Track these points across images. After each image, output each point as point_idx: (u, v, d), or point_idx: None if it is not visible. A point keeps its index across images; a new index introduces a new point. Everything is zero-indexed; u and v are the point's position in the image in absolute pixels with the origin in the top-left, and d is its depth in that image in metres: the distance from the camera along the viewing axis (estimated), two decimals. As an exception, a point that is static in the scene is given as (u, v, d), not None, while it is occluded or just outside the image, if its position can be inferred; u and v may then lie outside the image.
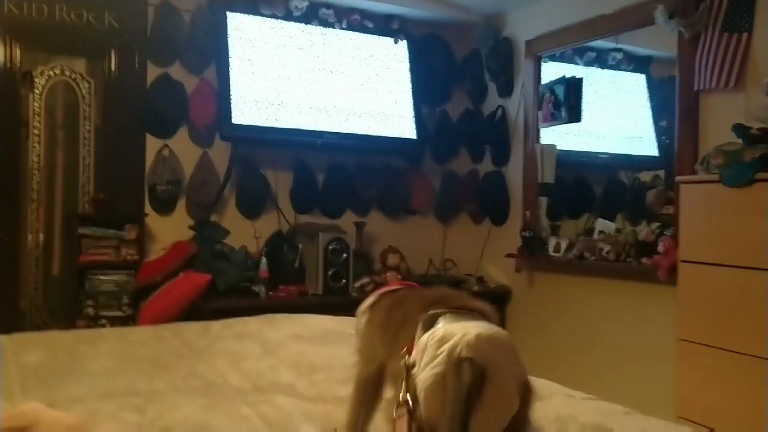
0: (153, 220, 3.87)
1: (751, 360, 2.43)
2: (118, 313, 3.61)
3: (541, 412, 1.23)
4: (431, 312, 1.08)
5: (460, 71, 4.63)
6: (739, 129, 2.65)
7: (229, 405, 1.29)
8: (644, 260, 3.29)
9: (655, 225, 3.39)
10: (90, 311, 3.57)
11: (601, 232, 3.75)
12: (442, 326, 1.03)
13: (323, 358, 1.68)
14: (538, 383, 1.43)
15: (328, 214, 4.31)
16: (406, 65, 4.38)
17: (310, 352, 1.74)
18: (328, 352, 1.73)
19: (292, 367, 1.62)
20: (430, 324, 1.06)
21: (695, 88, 3.14)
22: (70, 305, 3.57)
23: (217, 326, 2.08)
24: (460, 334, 0.98)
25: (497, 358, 0.97)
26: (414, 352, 1.04)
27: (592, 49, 4.15)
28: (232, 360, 1.71)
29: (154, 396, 1.36)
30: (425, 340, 1.02)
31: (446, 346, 0.97)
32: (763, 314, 2.39)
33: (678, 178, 2.85)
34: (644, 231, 3.40)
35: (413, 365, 1.03)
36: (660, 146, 4.10)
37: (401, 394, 1.02)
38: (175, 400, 1.32)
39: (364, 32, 4.28)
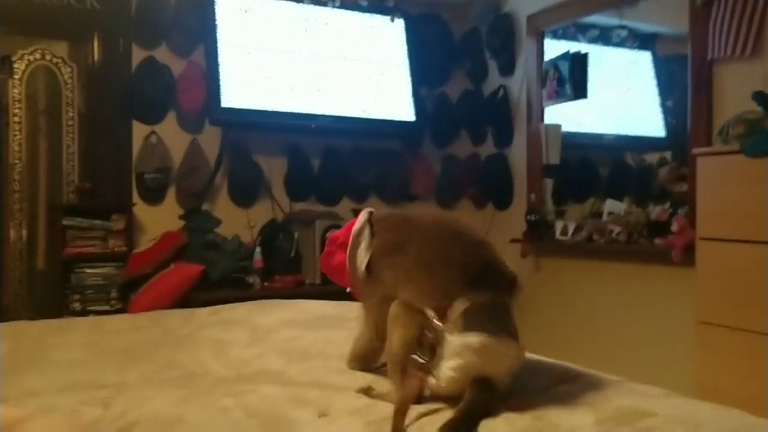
0: (141, 209, 3.71)
1: (776, 341, 2.27)
2: (106, 307, 3.46)
3: (567, 395, 1.08)
4: (473, 305, 1.10)
5: (459, 50, 4.47)
6: (760, 96, 2.50)
7: (208, 396, 1.13)
8: (657, 241, 3.13)
9: (667, 204, 3.24)
10: (77, 306, 3.41)
11: (610, 213, 3.58)
12: (479, 340, 1.07)
13: (318, 344, 1.52)
14: (556, 367, 1.28)
15: (325, 202, 4.15)
16: (403, 45, 4.21)
17: (304, 338, 1.58)
18: (323, 338, 1.57)
19: (282, 354, 1.46)
20: (472, 321, 1.09)
21: (709, 58, 2.98)
22: (56, 300, 3.40)
23: (203, 313, 1.92)
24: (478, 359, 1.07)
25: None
26: (447, 323, 1.11)
27: (595, 26, 4.00)
28: (216, 348, 1.54)
29: (123, 388, 1.20)
30: (459, 343, 1.08)
31: (465, 363, 1.07)
32: (790, 292, 2.24)
33: (694, 150, 2.69)
34: (656, 210, 3.24)
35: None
36: (667, 126, 3.96)
37: (424, 358, 1.12)
38: (146, 392, 1.16)
39: (358, 11, 4.11)
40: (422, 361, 1.11)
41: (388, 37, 4.19)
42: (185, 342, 1.60)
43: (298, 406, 1.09)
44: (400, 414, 1.03)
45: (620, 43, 4.05)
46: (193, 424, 1.00)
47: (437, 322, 1.10)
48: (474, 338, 1.06)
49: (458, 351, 1.07)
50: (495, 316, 1.12)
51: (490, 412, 1.01)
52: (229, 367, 1.39)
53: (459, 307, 1.09)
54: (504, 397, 1.05)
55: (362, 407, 1.10)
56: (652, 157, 3.88)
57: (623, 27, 4.01)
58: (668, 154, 3.67)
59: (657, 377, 3.04)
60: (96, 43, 3.65)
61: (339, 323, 1.70)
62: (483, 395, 1.04)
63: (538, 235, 3.84)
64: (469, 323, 1.08)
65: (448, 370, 1.07)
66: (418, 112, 4.16)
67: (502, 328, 1.10)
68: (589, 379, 1.15)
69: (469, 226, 1.31)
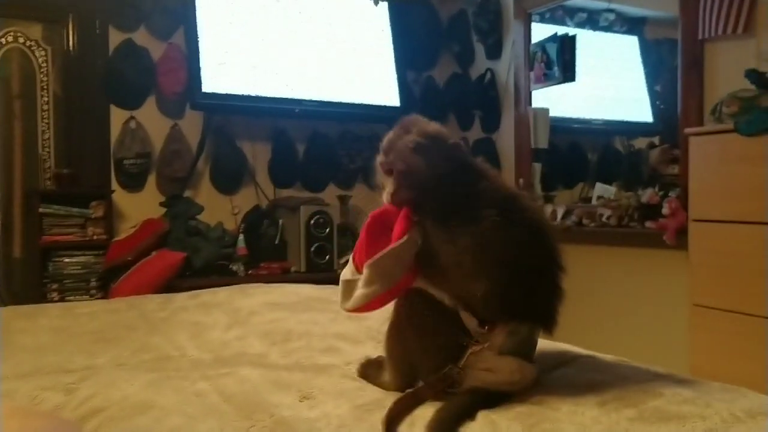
0: (121, 196, 3.61)
1: (772, 323, 2.23)
2: (86, 297, 3.36)
3: (566, 378, 1.01)
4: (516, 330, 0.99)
5: (446, 33, 4.39)
6: (753, 74, 2.44)
7: (182, 380, 1.06)
8: (649, 224, 3.08)
9: (657, 187, 3.19)
10: (55, 295, 3.32)
11: (599, 197, 3.53)
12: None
13: (301, 326, 1.45)
14: (553, 349, 1.22)
15: (310, 188, 4.07)
16: (388, 28, 4.13)
17: (287, 320, 1.50)
18: (307, 319, 1.50)
19: (264, 336, 1.39)
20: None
21: (700, 37, 2.92)
22: (34, 289, 3.31)
23: (182, 297, 1.84)
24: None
25: None
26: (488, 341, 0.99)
27: (583, 9, 3.94)
28: (193, 331, 1.47)
29: (92, 373, 1.12)
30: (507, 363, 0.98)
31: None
32: (786, 273, 2.19)
33: (687, 130, 2.63)
34: (647, 193, 3.18)
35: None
36: (655, 111, 3.92)
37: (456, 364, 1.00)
38: (116, 376, 1.08)
39: (342, -7, 4.02)
40: (455, 368, 0.99)
41: (372, 20, 4.10)
42: (162, 325, 1.52)
43: (279, 389, 1.01)
44: (402, 405, 0.95)
45: (608, 27, 4.00)
46: (163, 409, 0.92)
47: (480, 335, 0.99)
48: (517, 364, 0.98)
49: (504, 369, 0.97)
50: (533, 343, 1.04)
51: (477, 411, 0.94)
52: (207, 350, 1.31)
53: (504, 329, 0.99)
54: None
55: (349, 389, 1.03)
56: (640, 143, 3.84)
57: (611, 11, 3.96)
58: (656, 140, 3.63)
59: (652, 361, 2.99)
60: (71, 25, 3.54)
61: (324, 305, 1.63)
62: (479, 398, 0.96)
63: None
64: (507, 347, 0.98)
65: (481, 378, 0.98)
66: (404, 97, 4.08)
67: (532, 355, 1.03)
68: (588, 360, 1.09)
69: (551, 225, 1.14)
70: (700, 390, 0.90)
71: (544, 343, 1.31)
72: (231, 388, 1.01)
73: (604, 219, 3.33)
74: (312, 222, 3.68)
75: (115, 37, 3.62)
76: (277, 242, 3.79)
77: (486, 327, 0.99)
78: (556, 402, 0.90)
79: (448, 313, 1.03)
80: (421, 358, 1.04)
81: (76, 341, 1.36)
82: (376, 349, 1.14)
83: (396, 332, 1.08)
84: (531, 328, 1.02)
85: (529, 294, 0.99)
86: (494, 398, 0.94)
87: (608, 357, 1.15)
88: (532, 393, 0.93)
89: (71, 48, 3.55)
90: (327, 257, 3.71)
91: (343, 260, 3.73)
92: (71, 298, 3.32)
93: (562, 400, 0.90)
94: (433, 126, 1.15)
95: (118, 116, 3.63)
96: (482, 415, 0.89)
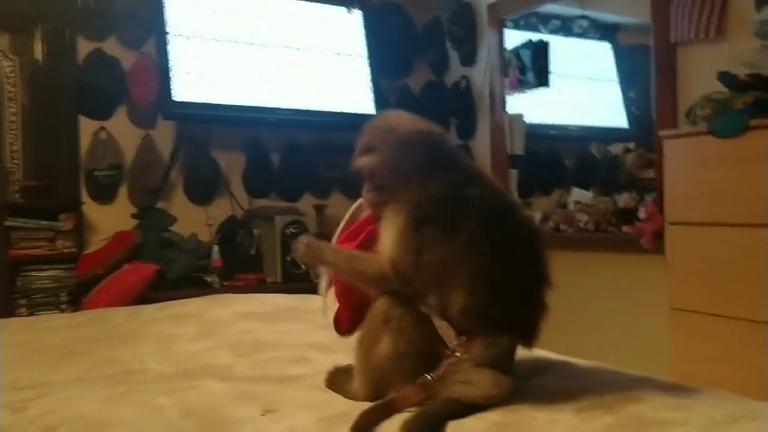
0: (91, 208, 3.54)
1: (751, 326, 2.22)
2: (56, 312, 3.28)
3: (542, 386, 0.98)
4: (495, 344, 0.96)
5: (421, 41, 4.37)
6: (726, 76, 2.44)
7: (143, 395, 1.01)
8: (626, 228, 3.08)
9: (634, 191, 3.19)
10: (24, 311, 3.23)
11: (576, 202, 3.52)
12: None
13: (271, 336, 1.40)
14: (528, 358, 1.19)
15: (286, 197, 4.03)
16: (362, 36, 4.10)
17: (258, 331, 1.46)
18: (278, 329, 1.45)
19: (232, 348, 1.34)
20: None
21: (672, 41, 2.94)
22: (2, 304, 3.21)
23: (152, 308, 1.78)
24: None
25: None
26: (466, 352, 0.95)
27: (556, 16, 3.95)
28: (160, 343, 1.41)
29: (48, 389, 1.07)
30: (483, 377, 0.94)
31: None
32: (763, 275, 2.18)
33: (662, 133, 2.63)
34: (624, 198, 3.18)
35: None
36: (630, 117, 3.93)
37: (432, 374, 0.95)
38: (74, 392, 1.03)
39: (315, 1, 3.99)
40: (430, 378, 0.95)
41: (346, 28, 4.08)
42: (128, 337, 1.47)
43: (243, 402, 0.97)
44: (372, 415, 0.90)
45: (582, 34, 4.02)
46: (120, 426, 0.88)
47: (458, 346, 0.96)
48: (494, 378, 0.94)
49: (479, 382, 0.94)
50: (510, 355, 1.00)
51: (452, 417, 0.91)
52: (171, 363, 1.26)
53: (482, 341, 0.96)
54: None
55: (317, 401, 0.99)
56: (616, 148, 3.85)
57: (584, 17, 3.98)
58: (632, 145, 3.64)
59: (632, 366, 2.97)
60: (39, 35, 3.47)
61: (296, 315, 1.59)
62: (452, 407, 0.93)
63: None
64: (485, 359, 0.95)
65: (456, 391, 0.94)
66: (379, 105, 4.05)
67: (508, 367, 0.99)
68: (565, 367, 1.06)
69: (543, 237, 1.05)
70: (679, 394, 0.87)
71: (520, 351, 1.28)
72: (192, 403, 0.96)
73: (581, 224, 3.32)
74: (288, 232, 3.64)
75: (85, 47, 3.55)
76: (252, 253, 3.74)
77: (464, 338, 0.96)
78: (532, 410, 0.86)
79: (426, 320, 0.99)
80: (395, 365, 1.00)
81: (36, 357, 1.30)
82: (348, 359, 1.10)
83: (370, 336, 1.03)
84: (511, 341, 0.99)
85: (510, 309, 0.96)
86: (468, 409, 0.90)
87: (586, 363, 1.12)
88: (508, 401, 0.90)
89: (39, 58, 3.48)
90: (303, 267, 3.66)
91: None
92: (41, 312, 3.24)
93: (537, 409, 0.87)
94: (415, 122, 1.10)
95: (88, 127, 3.56)
96: (455, 425, 0.85)
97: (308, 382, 1.09)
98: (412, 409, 0.92)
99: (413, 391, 0.95)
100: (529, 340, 1.00)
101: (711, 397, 0.87)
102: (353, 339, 1.07)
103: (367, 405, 0.94)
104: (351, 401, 1.01)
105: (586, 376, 1.00)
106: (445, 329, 0.97)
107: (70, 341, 1.44)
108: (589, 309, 3.34)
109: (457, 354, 0.95)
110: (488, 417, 0.86)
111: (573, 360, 1.15)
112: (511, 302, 0.95)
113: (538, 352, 1.23)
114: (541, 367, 1.10)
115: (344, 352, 1.26)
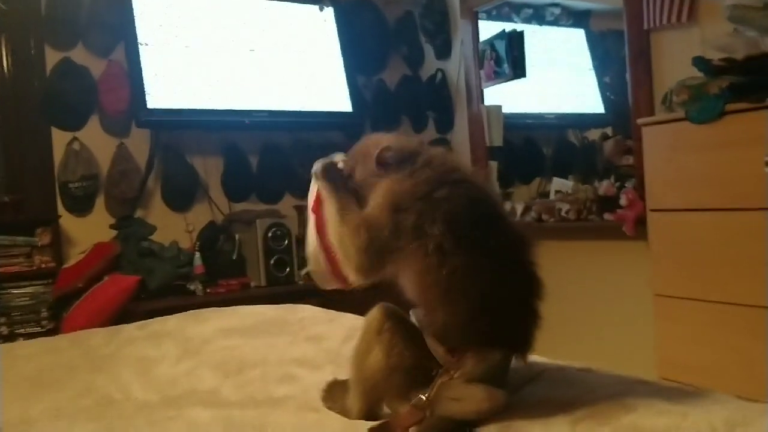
0: (68, 221, 3.47)
1: (734, 309, 2.23)
2: (37, 329, 3.22)
3: (535, 396, 0.96)
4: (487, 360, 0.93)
5: (394, 36, 4.34)
6: (700, 61, 2.44)
7: (126, 427, 0.98)
8: (607, 216, 3.08)
9: (613, 178, 3.19)
10: (4, 330, 3.17)
11: (557, 191, 3.52)
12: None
13: (256, 353, 1.37)
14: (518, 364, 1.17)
15: (266, 200, 3.99)
16: (335, 34, 4.06)
17: (242, 347, 1.43)
18: (262, 345, 1.42)
19: (216, 368, 1.31)
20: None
21: (645, 27, 2.94)
22: (-20, 325, 3.15)
23: (130, 328, 1.74)
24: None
25: None
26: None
27: (529, 5, 3.96)
28: (140, 367, 1.38)
29: (23, 427, 1.03)
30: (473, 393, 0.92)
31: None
32: (745, 259, 2.19)
33: (639, 121, 2.62)
34: (604, 185, 3.18)
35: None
36: (605, 102, 3.94)
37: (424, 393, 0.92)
38: (51, 429, 1.00)
39: (286, 0, 3.94)
40: (423, 398, 0.92)
41: (318, 26, 4.04)
42: (106, 363, 1.43)
43: (231, 430, 0.94)
44: None
45: (554, 22, 4.02)
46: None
47: (448, 363, 0.93)
48: (486, 393, 0.91)
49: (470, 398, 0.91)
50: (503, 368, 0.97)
51: None
52: (153, 389, 1.23)
53: (473, 356, 0.93)
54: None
55: (308, 424, 0.97)
56: (593, 134, 3.86)
57: (556, 5, 3.98)
58: (609, 130, 3.65)
59: (619, 355, 2.99)
60: (4, 46, 3.39)
61: (280, 327, 1.56)
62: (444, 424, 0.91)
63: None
64: (477, 374, 0.92)
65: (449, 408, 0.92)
66: (355, 102, 4.02)
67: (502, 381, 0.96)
68: (556, 373, 1.04)
69: (531, 245, 1.03)
70: (674, 399, 0.86)
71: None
72: (179, 434, 0.94)
73: (563, 213, 3.32)
74: (269, 235, 3.60)
75: (52, 57, 3.47)
76: (234, 258, 3.69)
77: (455, 355, 0.94)
78: (527, 425, 0.85)
79: (418, 335, 0.97)
80: (386, 378, 0.98)
81: (10, 388, 1.26)
82: (335, 374, 1.08)
83: (364, 344, 1.02)
84: (504, 354, 0.97)
85: (497, 322, 0.93)
86: (461, 426, 0.89)
87: (576, 365, 1.10)
88: (502, 415, 0.88)
89: (5, 69, 3.40)
90: (287, 270, 3.63)
91: (304, 272, 3.66)
92: (21, 330, 3.18)
93: (532, 422, 0.85)
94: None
95: (60, 138, 3.49)
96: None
97: (297, 402, 1.06)
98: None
99: (408, 413, 0.93)
100: (522, 352, 0.98)
101: (706, 401, 0.85)
102: (342, 353, 1.05)
103: (357, 424, 0.92)
104: (341, 423, 0.99)
105: (579, 383, 0.99)
106: (435, 346, 0.95)
107: (45, 370, 1.40)
108: (573, 298, 3.34)
109: (449, 372, 0.93)
110: (482, 433, 0.85)
111: (564, 364, 1.13)
112: (497, 315, 0.93)
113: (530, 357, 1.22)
114: (533, 374, 1.08)
115: (331, 365, 1.25)
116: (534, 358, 1.17)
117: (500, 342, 0.95)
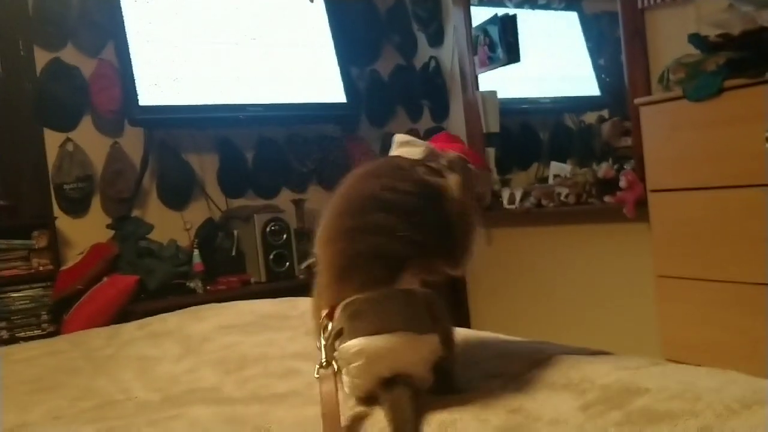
0: (65, 222, 3.45)
1: (736, 287, 2.21)
2: (38, 332, 3.21)
3: (543, 380, 0.94)
4: (355, 300, 0.90)
5: (386, 25, 4.31)
6: (696, 39, 2.42)
7: (127, 428, 0.96)
8: (607, 199, 3.06)
9: (612, 161, 3.17)
10: (4, 333, 3.15)
11: (555, 176, 3.50)
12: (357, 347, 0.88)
13: (257, 349, 1.35)
14: (525, 348, 1.15)
15: (263, 195, 3.96)
16: (327, 25, 4.03)
17: (242, 344, 1.41)
18: (263, 341, 1.41)
19: (217, 366, 1.29)
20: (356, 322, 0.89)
21: (639, 6, 2.91)
22: (-19, 330, 3.13)
23: (130, 328, 1.72)
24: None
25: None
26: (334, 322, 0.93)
27: (521, -11, 3.91)
28: (141, 367, 1.36)
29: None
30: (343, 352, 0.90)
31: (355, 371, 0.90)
32: (747, 237, 2.17)
33: (636, 101, 2.60)
34: (603, 168, 3.16)
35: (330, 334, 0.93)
36: (601, 85, 3.91)
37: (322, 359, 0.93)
38: (51, 432, 0.98)
39: (276, -7, 3.91)
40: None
41: (310, 18, 4.00)
42: (107, 364, 1.41)
43: (234, 428, 0.92)
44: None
45: (547, 5, 3.98)
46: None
47: (325, 325, 0.93)
48: (353, 344, 0.88)
49: (344, 359, 0.89)
50: (387, 308, 0.89)
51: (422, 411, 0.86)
52: (155, 389, 1.21)
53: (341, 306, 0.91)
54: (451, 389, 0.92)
55: (312, 418, 0.94)
56: (590, 117, 3.83)
57: (548, -12, 3.94)
58: (605, 112, 3.62)
59: (623, 337, 2.98)
60: (-8, 48, 3.36)
61: (281, 322, 1.54)
62: (403, 398, 0.86)
63: (485, 207, 3.74)
64: (352, 326, 0.89)
65: (345, 379, 0.92)
66: (349, 93, 3.99)
67: (394, 321, 0.88)
68: (564, 357, 1.02)
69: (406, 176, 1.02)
70: (685, 380, 0.84)
71: (513, 339, 1.25)
72: (180, 434, 0.92)
73: (562, 198, 3.30)
74: (268, 230, 3.58)
75: (42, 57, 3.44)
76: (233, 254, 3.67)
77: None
78: (537, 408, 0.83)
79: None
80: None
81: (11, 394, 1.24)
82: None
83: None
84: (385, 286, 0.91)
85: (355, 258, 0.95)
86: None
87: (583, 349, 1.08)
88: (509, 399, 0.86)
89: (-5, 72, 3.37)
90: (287, 264, 3.61)
91: (304, 265, 3.64)
92: (22, 334, 3.17)
93: (541, 407, 0.83)
94: None
95: (53, 140, 3.46)
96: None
97: (300, 397, 1.04)
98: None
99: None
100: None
101: (718, 380, 0.83)
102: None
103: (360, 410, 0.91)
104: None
105: (585, 365, 0.96)
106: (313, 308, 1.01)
107: (45, 373, 1.38)
108: (576, 283, 3.33)
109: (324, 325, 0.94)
110: (491, 421, 0.83)
111: (571, 347, 1.11)
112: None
113: (536, 343, 1.20)
114: (542, 357, 1.06)
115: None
116: (539, 342, 1.16)
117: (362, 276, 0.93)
